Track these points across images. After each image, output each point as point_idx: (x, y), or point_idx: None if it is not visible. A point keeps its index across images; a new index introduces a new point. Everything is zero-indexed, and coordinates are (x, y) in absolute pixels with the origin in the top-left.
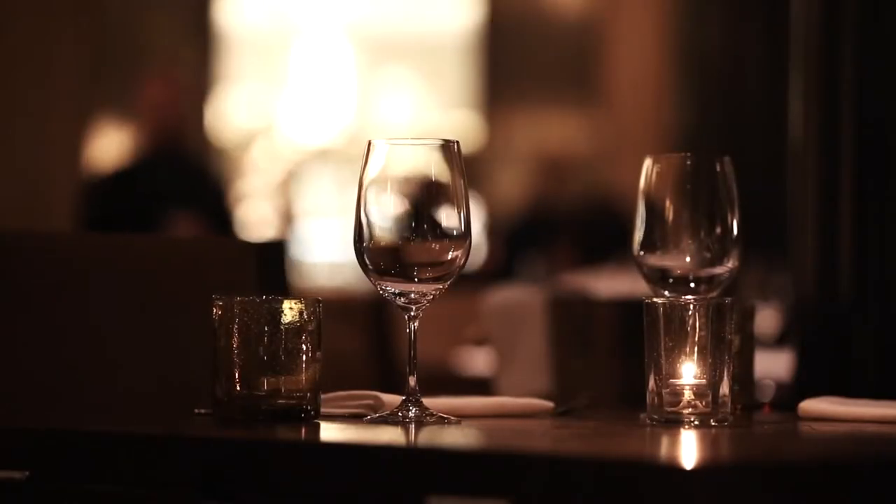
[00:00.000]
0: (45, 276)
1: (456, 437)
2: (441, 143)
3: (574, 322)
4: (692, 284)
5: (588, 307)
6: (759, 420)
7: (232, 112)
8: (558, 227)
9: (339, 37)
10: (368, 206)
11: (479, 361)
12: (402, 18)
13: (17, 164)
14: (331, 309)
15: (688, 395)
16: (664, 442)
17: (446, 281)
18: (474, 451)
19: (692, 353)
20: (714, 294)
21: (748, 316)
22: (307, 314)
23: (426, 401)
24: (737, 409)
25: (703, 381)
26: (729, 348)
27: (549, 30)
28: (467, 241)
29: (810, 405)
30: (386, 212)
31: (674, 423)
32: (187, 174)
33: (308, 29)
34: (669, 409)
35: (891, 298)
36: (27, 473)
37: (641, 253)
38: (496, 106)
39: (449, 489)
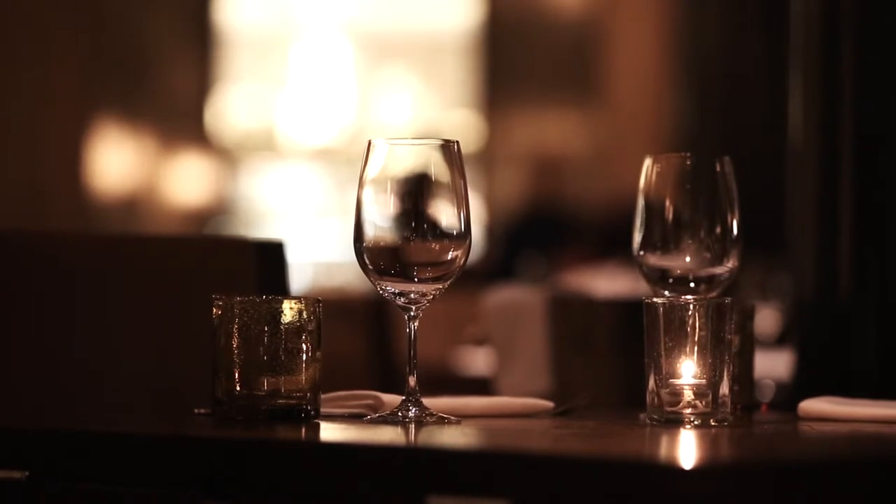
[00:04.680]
0: (45, 276)
1: (456, 437)
2: (441, 143)
3: (574, 322)
4: (692, 284)
5: (588, 307)
6: (759, 420)
7: (232, 112)
8: (568, 227)
9: (338, 36)
10: (368, 206)
11: (479, 361)
12: (402, 18)
13: (16, 164)
14: (331, 309)
15: (688, 395)
16: (664, 442)
17: (446, 281)
18: (474, 451)
19: (692, 353)
20: (714, 294)
21: (748, 316)
22: (307, 314)
23: (426, 401)
24: (737, 409)
25: (703, 381)
26: (729, 348)
27: (549, 30)
28: (467, 241)
29: (810, 405)
30: (386, 212)
31: (674, 423)
32: None
33: (308, 29)
34: (669, 409)
35: (891, 299)
36: (27, 473)
37: (641, 253)
38: (496, 106)
39: (449, 489)
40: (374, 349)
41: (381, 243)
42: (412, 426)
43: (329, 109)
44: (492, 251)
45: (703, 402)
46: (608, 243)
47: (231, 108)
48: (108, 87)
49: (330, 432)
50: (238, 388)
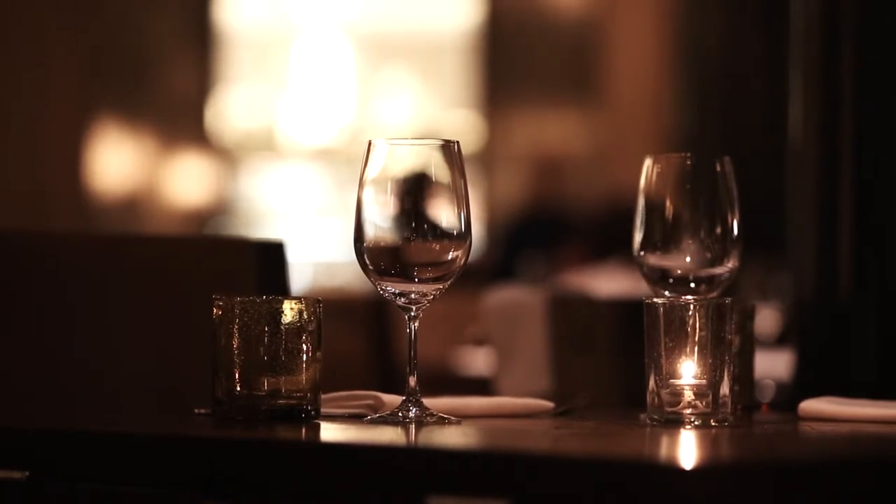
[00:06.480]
0: (45, 275)
1: (456, 437)
2: (441, 143)
3: (574, 322)
4: (692, 284)
5: (588, 307)
6: (760, 420)
7: (232, 112)
8: (568, 227)
9: (338, 37)
10: (368, 206)
11: (479, 361)
12: (402, 18)
13: (16, 164)
14: (331, 309)
15: (688, 395)
16: (664, 442)
17: (446, 281)
18: (474, 451)
19: (692, 353)
20: (714, 294)
21: (748, 316)
22: (307, 314)
23: (426, 401)
24: (737, 409)
25: (704, 381)
26: (729, 348)
27: (549, 30)
28: (467, 241)
29: (810, 405)
30: (386, 212)
31: (674, 423)
32: None
33: (308, 29)
34: (669, 409)
35: (891, 299)
36: (27, 473)
37: (641, 253)
38: (496, 106)
39: (449, 489)
40: (374, 349)
41: (382, 243)
42: (412, 426)
43: (329, 109)
44: (492, 251)
45: (704, 403)
46: (608, 243)
47: (231, 108)
48: (108, 87)
49: (330, 432)
50: (238, 388)
